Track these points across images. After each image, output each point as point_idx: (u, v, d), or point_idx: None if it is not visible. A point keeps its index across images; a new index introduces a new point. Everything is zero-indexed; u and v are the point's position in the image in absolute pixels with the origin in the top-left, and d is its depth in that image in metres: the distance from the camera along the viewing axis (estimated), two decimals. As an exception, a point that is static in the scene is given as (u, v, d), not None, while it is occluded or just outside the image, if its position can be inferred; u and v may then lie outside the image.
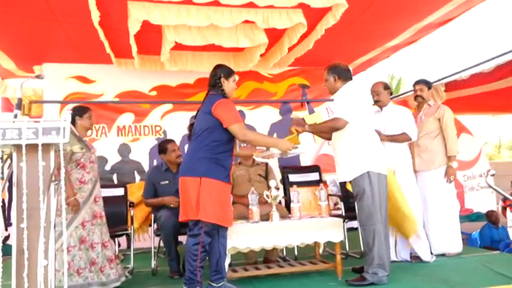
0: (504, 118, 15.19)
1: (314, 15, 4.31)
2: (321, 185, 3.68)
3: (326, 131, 3.39)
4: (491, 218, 6.20)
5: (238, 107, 5.67)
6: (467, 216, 6.44)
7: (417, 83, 4.25)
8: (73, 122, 3.43)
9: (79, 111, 3.44)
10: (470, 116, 7.85)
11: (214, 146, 2.91)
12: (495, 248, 5.26)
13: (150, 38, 4.56)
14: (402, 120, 3.86)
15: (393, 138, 3.83)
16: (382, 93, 3.92)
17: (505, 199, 6.51)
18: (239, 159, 4.28)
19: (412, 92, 4.41)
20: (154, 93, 5.74)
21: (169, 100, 5.73)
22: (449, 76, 5.48)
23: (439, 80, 5.71)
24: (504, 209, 6.75)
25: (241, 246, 3.21)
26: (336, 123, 3.21)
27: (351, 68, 3.48)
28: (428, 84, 4.22)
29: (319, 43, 4.84)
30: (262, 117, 5.98)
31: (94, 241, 3.24)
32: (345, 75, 3.35)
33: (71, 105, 5.36)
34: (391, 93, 4.08)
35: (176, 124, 5.64)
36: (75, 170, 3.28)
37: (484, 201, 6.47)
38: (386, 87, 4.02)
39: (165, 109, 5.74)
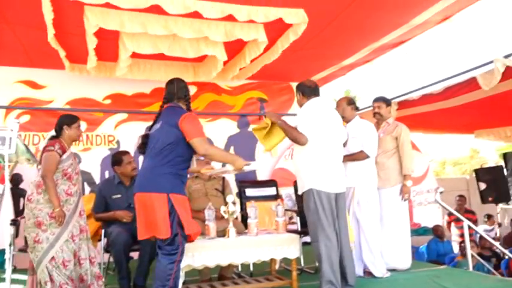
0: (448, 137, 16.00)
1: (275, 31, 4.34)
2: (278, 200, 3.65)
3: (289, 137, 3.39)
4: (437, 232, 6.44)
5: (196, 119, 5.76)
6: (415, 231, 6.66)
7: (376, 100, 4.28)
8: (60, 131, 3.23)
9: (68, 120, 3.23)
10: (418, 133, 8.16)
11: (178, 161, 2.83)
12: (441, 262, 5.45)
13: (107, 44, 4.39)
14: (362, 136, 3.89)
15: (352, 158, 3.85)
16: (345, 109, 3.95)
17: (450, 214, 6.79)
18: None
19: (367, 109, 4.49)
20: (108, 101, 5.54)
21: (124, 109, 5.54)
22: (402, 95, 5.67)
23: (392, 98, 5.88)
24: (449, 223, 7.04)
25: (197, 264, 3.12)
26: (300, 137, 3.28)
27: (316, 85, 3.54)
28: (386, 102, 4.25)
29: (278, 58, 4.88)
30: (219, 130, 5.93)
31: (81, 257, 3.09)
32: (308, 92, 3.45)
33: (17, 112, 5.11)
34: (356, 108, 4.10)
35: (130, 134, 5.45)
36: (61, 181, 3.11)
37: (431, 216, 6.74)
38: (350, 102, 4.04)
39: (119, 118, 5.55)
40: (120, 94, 5.58)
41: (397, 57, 5.86)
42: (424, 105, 5.72)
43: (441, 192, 3.87)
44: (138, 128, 5.48)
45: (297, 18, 4.01)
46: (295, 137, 3.30)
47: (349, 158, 3.83)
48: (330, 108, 3.52)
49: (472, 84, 4.60)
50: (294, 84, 6.42)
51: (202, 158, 3.75)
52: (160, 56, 4.76)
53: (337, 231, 3.26)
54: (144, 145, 3.04)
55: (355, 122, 4.00)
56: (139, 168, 3.20)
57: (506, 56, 4.09)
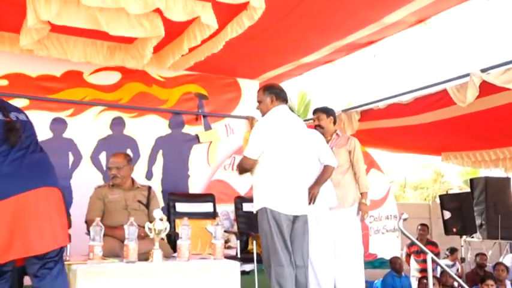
0: (410, 157, 16.83)
1: (225, 13, 4.32)
2: (217, 219, 3.66)
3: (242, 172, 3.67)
4: (395, 265, 6.70)
5: (117, 113, 5.63)
6: (371, 262, 6.89)
7: (315, 111, 4.57)
8: None
9: None
10: (378, 151, 8.52)
11: None
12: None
13: (9, 10, 4.17)
14: (315, 146, 4.05)
15: (323, 180, 3.99)
16: None
17: (410, 245, 7.11)
18: (111, 180, 4.10)
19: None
20: (5, 82, 5.24)
21: (26, 94, 5.28)
22: (366, 104, 5.88)
23: (354, 107, 6.10)
24: (408, 256, 7.36)
25: (111, 293, 3.02)
26: (242, 163, 3.59)
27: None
28: (327, 112, 4.50)
29: (225, 48, 4.86)
30: (146, 128, 5.83)
31: None
32: (283, 96, 3.67)
33: None
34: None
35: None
36: None
37: (389, 246, 7.01)
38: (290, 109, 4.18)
39: (18, 104, 5.15)
40: (22, 74, 5.29)
41: (363, 59, 6.08)
42: (389, 118, 5.99)
43: (405, 219, 4.06)
44: (43, 119, 5.27)
45: (254, 0, 4.04)
46: (240, 167, 3.63)
47: (319, 182, 3.98)
48: (298, 121, 3.74)
49: (444, 98, 4.87)
50: (242, 81, 6.63)
51: None
52: (79, 31, 4.60)
53: (292, 258, 3.39)
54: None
55: None
56: None
57: (484, 70, 4.38)
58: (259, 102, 3.71)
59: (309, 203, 3.82)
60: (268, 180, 3.48)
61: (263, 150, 3.50)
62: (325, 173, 4.04)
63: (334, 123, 4.53)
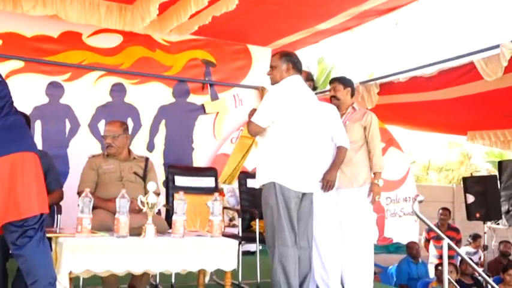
0: (435, 137, 16.59)
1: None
2: (216, 194, 3.61)
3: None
4: (411, 251, 6.67)
5: (118, 78, 5.59)
6: (386, 247, 6.86)
7: (331, 81, 4.44)
8: None
9: None
10: (399, 128, 8.39)
11: None
12: (410, 288, 5.66)
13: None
14: (329, 123, 3.96)
15: (338, 163, 3.95)
16: None
17: (429, 230, 7.04)
18: (106, 149, 4.06)
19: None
20: (-2, 42, 5.23)
21: (20, 55, 5.25)
22: (386, 77, 5.75)
23: (373, 79, 5.97)
24: (427, 241, 7.31)
25: (100, 269, 3.01)
26: (249, 128, 3.56)
27: None
28: (345, 84, 4.37)
29: (235, 11, 4.77)
30: (149, 96, 5.80)
31: None
32: (299, 67, 3.63)
33: None
34: (314, 88, 4.18)
35: (26, 90, 5.16)
36: None
37: (406, 230, 6.94)
38: (308, 77, 4.15)
39: (12, 66, 5.25)
40: (16, 34, 5.27)
41: (384, 27, 5.92)
42: (411, 93, 5.87)
43: (420, 202, 4.00)
44: (38, 82, 5.28)
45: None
46: (248, 131, 3.60)
47: (337, 163, 3.95)
48: (311, 95, 3.71)
49: (471, 72, 4.74)
50: (253, 48, 6.55)
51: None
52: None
53: (297, 239, 3.40)
54: None
55: None
56: None
57: (515, 41, 4.23)
58: (273, 67, 3.64)
59: (325, 190, 3.84)
60: (277, 153, 3.46)
61: (273, 119, 3.46)
62: (340, 155, 3.98)
63: (352, 95, 4.43)
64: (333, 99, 4.33)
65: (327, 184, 3.86)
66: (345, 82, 4.36)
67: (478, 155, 18.36)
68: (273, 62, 3.66)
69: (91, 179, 3.93)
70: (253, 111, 3.69)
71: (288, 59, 3.62)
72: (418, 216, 4.01)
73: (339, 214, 4.03)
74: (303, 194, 3.50)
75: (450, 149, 19.24)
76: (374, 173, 4.18)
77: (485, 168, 17.28)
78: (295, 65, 3.62)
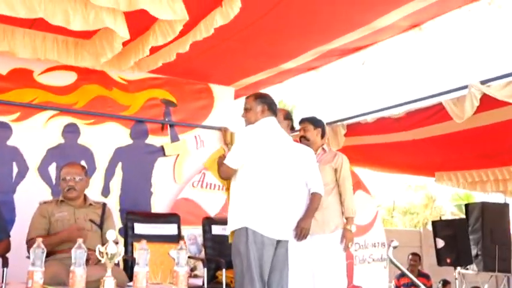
0: (399, 178, 16.95)
1: (197, 9, 4.26)
2: (181, 242, 3.55)
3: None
4: (382, 300, 6.64)
5: (71, 119, 5.48)
6: (355, 296, 6.80)
7: (302, 121, 4.51)
8: None
9: None
10: (365, 170, 8.50)
11: None
12: None
13: None
14: (304, 167, 3.97)
15: (313, 210, 3.95)
16: (281, 124, 3.99)
17: (399, 276, 7.07)
18: (61, 196, 4.03)
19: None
20: None
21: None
22: (353, 117, 5.86)
23: (340, 120, 6.07)
24: (397, 289, 7.32)
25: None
26: (220, 170, 3.60)
27: None
28: (314, 123, 4.47)
29: (197, 49, 4.80)
30: (104, 137, 5.70)
31: None
32: (274, 109, 3.69)
33: None
34: (291, 127, 4.20)
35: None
36: None
37: (376, 278, 6.91)
38: (287, 117, 4.17)
39: (-45, 106, 5.11)
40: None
41: (351, 67, 6.07)
42: (378, 134, 5.98)
43: (395, 247, 4.02)
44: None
45: (230, -4, 3.99)
46: (219, 172, 3.63)
47: (311, 210, 3.96)
48: (286, 137, 3.76)
49: (440, 112, 4.88)
50: (215, 87, 6.57)
51: None
52: (29, 22, 4.46)
53: None
54: None
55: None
56: None
57: (484, 82, 4.39)
58: (247, 109, 3.70)
59: (299, 239, 3.84)
60: (250, 196, 3.44)
61: (245, 161, 3.48)
62: (314, 202, 3.99)
63: (322, 136, 4.49)
64: (303, 139, 4.37)
65: (301, 232, 3.84)
66: (315, 122, 4.42)
67: (443, 197, 18.83)
68: (248, 103, 3.71)
69: (42, 227, 3.84)
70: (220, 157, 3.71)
71: (263, 101, 3.69)
72: (394, 264, 4.03)
73: (310, 261, 4.00)
74: (278, 242, 3.46)
75: (414, 191, 19.68)
76: (346, 218, 4.20)
77: (450, 211, 17.69)
78: (270, 107, 3.69)
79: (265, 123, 3.62)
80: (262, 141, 3.53)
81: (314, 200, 3.99)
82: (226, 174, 3.57)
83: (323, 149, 4.43)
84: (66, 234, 3.66)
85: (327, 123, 6.01)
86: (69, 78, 5.56)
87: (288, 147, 3.68)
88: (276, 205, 3.47)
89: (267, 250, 3.36)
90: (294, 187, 3.67)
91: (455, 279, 7.45)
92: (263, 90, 6.65)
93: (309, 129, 4.40)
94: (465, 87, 4.49)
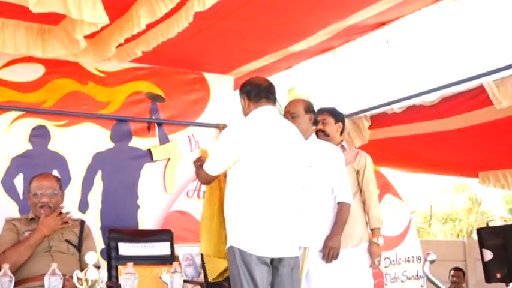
0: (436, 179, 16.89)
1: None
2: (175, 264, 3.60)
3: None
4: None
5: (39, 120, 5.52)
6: (387, 322, 6.81)
7: (320, 112, 4.51)
8: None
9: None
10: (394, 171, 8.51)
11: None
12: None
13: None
14: (329, 169, 4.03)
15: (342, 225, 3.99)
16: (300, 118, 4.01)
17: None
18: (31, 212, 4.08)
19: None
20: None
21: None
22: (378, 107, 5.86)
23: (363, 111, 6.07)
24: (438, 312, 7.31)
25: None
26: (199, 174, 3.80)
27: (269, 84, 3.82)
28: (337, 118, 4.51)
29: (188, 31, 4.81)
30: (80, 141, 5.72)
31: None
32: (255, 94, 3.68)
33: None
34: (315, 122, 4.21)
35: None
36: None
37: (411, 299, 6.94)
38: (309, 109, 4.16)
39: None
40: None
41: (373, 47, 6.07)
42: (409, 124, 5.97)
43: (432, 262, 4.04)
44: None
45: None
46: (197, 176, 3.88)
47: (340, 225, 4.00)
48: (287, 128, 3.70)
49: (481, 96, 4.88)
50: (211, 77, 6.59)
51: None
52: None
53: None
54: None
55: (314, 144, 4.12)
56: None
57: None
58: (241, 105, 3.81)
59: (328, 261, 3.91)
60: (238, 209, 3.48)
61: (228, 165, 3.53)
62: (342, 214, 4.04)
63: (342, 132, 4.50)
64: (320, 133, 4.37)
65: (329, 253, 3.89)
66: (336, 115, 4.44)
67: (491, 199, 18.77)
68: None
69: (13, 240, 3.87)
70: (199, 159, 3.85)
71: (242, 91, 3.81)
72: (432, 281, 4.04)
73: (329, 283, 4.01)
74: (278, 260, 3.45)
75: (455, 193, 19.62)
76: (372, 230, 4.21)
77: (500, 216, 17.63)
78: (254, 94, 3.73)
79: (254, 116, 3.65)
80: (248, 139, 3.51)
81: (342, 211, 4.03)
82: (204, 181, 3.76)
83: (342, 146, 4.45)
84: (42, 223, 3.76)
85: (347, 116, 6.03)
86: (36, 72, 5.58)
87: (290, 142, 3.64)
88: (272, 217, 3.45)
89: (258, 270, 3.35)
90: (297, 191, 3.64)
91: (508, 298, 7.44)
92: (268, 78, 6.68)
93: (329, 123, 4.42)
94: (510, 66, 4.50)
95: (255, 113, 3.63)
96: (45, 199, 4.00)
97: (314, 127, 4.25)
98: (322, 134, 4.41)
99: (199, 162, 3.76)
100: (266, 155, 3.49)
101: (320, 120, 4.43)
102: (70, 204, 5.34)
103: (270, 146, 3.53)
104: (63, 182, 5.43)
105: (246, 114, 3.72)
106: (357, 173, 4.37)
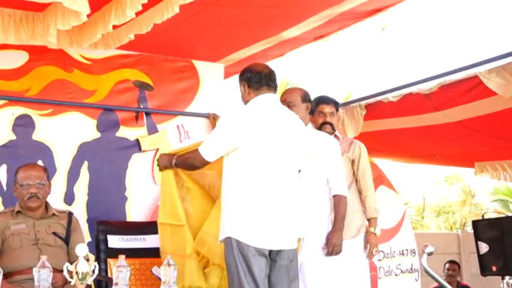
0: (429, 170, 16.97)
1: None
2: (168, 257, 3.55)
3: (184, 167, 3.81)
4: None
5: (23, 109, 5.49)
6: (381, 316, 6.86)
7: (328, 101, 4.48)
8: None
9: None
10: (388, 161, 8.54)
11: None
12: None
13: None
14: (325, 160, 4.04)
15: (341, 219, 4.01)
16: (297, 107, 4.04)
17: (436, 291, 7.12)
18: (17, 205, 4.06)
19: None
20: None
21: None
22: (373, 96, 5.88)
23: (357, 100, 6.09)
24: (433, 306, 7.38)
25: None
26: (191, 157, 3.73)
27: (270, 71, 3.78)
28: (337, 107, 4.49)
29: (175, 17, 4.79)
30: (65, 131, 5.71)
31: None
32: (256, 81, 3.67)
33: None
34: (311, 111, 4.22)
35: None
36: None
37: (406, 293, 6.98)
38: (306, 98, 4.16)
39: None
40: None
41: (368, 34, 6.08)
42: (404, 116, 6.00)
43: (430, 254, 4.06)
44: None
45: None
46: (187, 161, 3.77)
47: (340, 220, 4.01)
48: (288, 117, 3.71)
49: (481, 85, 4.90)
50: (200, 64, 6.58)
51: None
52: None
53: None
54: None
55: (310, 134, 4.11)
56: None
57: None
58: (240, 91, 3.81)
59: (329, 255, 3.94)
60: (236, 198, 3.48)
61: (225, 152, 3.54)
62: (340, 208, 4.06)
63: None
64: (326, 127, 4.35)
65: (333, 250, 3.92)
66: (337, 104, 4.44)
67: (483, 192, 18.90)
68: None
69: None
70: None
71: (242, 78, 3.81)
72: (429, 274, 4.07)
73: (327, 275, 4.04)
74: (276, 252, 3.47)
75: (449, 185, 19.73)
76: (369, 219, 4.24)
77: (493, 207, 17.75)
78: (255, 82, 3.72)
79: (254, 104, 3.65)
80: (247, 126, 3.51)
81: (340, 205, 4.05)
82: (197, 164, 3.67)
83: (336, 136, 4.45)
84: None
85: (341, 105, 6.05)
86: (19, 59, 5.54)
87: (290, 131, 3.65)
88: (272, 208, 3.46)
89: (256, 262, 3.37)
90: (295, 181, 3.66)
91: (503, 292, 7.52)
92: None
93: (335, 114, 4.42)
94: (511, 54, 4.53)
95: (255, 101, 3.63)
96: (34, 190, 3.98)
97: (309, 116, 4.26)
98: (328, 126, 4.40)
99: (169, 157, 3.87)
100: (266, 144, 3.50)
101: (328, 112, 4.42)
102: (56, 196, 5.34)
103: (270, 135, 3.54)
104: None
105: (245, 102, 3.71)
106: (352, 162, 4.39)
